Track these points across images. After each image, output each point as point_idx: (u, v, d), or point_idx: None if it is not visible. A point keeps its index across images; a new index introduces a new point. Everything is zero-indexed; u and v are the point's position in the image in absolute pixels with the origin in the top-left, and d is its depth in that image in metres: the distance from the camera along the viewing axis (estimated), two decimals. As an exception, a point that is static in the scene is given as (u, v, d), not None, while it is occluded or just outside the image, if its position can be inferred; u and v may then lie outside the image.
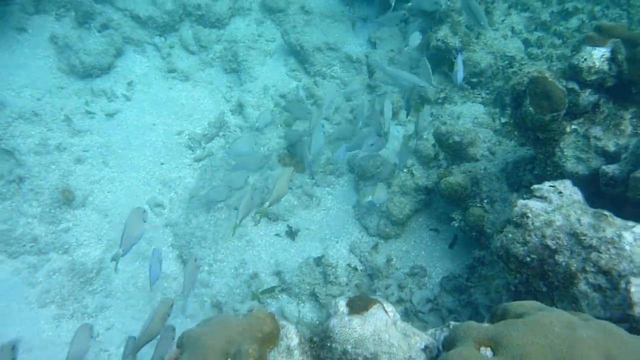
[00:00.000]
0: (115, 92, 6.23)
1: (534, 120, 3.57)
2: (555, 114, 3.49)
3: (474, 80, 5.78)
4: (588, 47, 3.49)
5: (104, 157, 5.64)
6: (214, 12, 6.86)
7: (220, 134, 6.18)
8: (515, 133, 4.11)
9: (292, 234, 5.14)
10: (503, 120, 5.41)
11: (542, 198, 2.93)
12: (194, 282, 3.96)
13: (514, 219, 2.92)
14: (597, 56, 3.44)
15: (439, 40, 5.68)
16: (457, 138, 4.81)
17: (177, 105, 6.35)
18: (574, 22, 6.52)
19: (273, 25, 7.12)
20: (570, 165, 3.60)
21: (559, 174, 3.64)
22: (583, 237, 2.63)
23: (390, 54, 6.45)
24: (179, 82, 6.59)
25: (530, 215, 2.85)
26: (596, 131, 3.56)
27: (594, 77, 3.46)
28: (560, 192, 2.91)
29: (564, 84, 3.57)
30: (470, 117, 5.47)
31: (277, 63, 6.77)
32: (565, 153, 3.62)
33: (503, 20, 6.36)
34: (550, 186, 2.96)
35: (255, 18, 7.14)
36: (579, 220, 2.69)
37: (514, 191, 4.26)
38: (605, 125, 3.57)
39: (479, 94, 5.76)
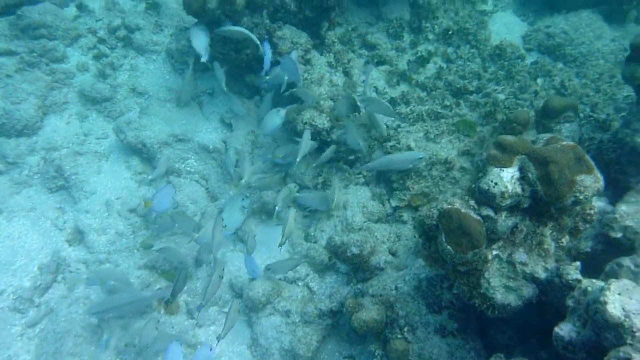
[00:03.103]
0: None
1: (454, 258, 3.02)
2: (477, 250, 2.97)
3: (351, 157, 5.19)
4: (495, 169, 3.01)
5: None
6: (18, 118, 5.42)
7: (59, 278, 4.88)
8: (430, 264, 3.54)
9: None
10: (393, 203, 4.90)
11: None
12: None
13: None
14: (507, 179, 2.98)
15: (305, 123, 4.98)
16: (355, 250, 4.18)
17: (-11, 254, 4.89)
18: (431, 68, 6.26)
19: (101, 117, 5.87)
20: (500, 296, 3.12)
21: (489, 305, 3.16)
22: None
23: (251, 136, 5.61)
24: (-14, 219, 5.12)
25: None
26: (520, 255, 3.12)
27: (508, 202, 2.98)
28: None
29: (477, 211, 3.06)
30: (359, 207, 4.87)
31: (116, 167, 5.57)
32: (492, 283, 3.13)
33: (364, 81, 5.86)
34: None
35: (77, 112, 5.82)
36: None
37: (434, 312, 3.74)
38: (527, 246, 3.14)
39: (359, 174, 5.18)
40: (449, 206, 3.03)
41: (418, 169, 4.91)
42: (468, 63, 6.27)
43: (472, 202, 3.12)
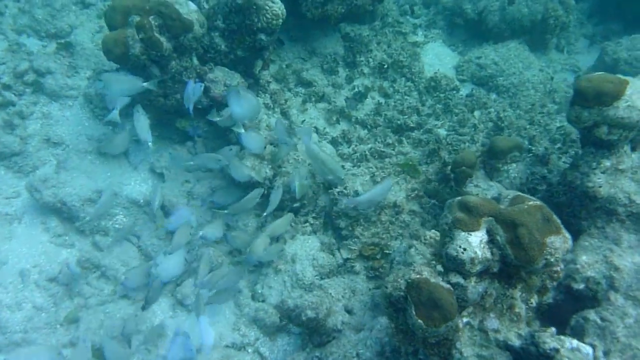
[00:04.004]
0: None
1: (426, 332, 2.79)
2: (450, 322, 2.75)
3: (296, 205, 4.89)
4: (462, 234, 2.83)
5: None
6: None
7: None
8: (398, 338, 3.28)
9: None
10: (344, 254, 4.64)
11: None
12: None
13: None
14: (476, 243, 2.80)
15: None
16: (311, 314, 3.87)
17: None
18: (369, 103, 6.12)
19: (10, 174, 5.19)
20: (473, 366, 2.93)
21: (462, 377, 2.95)
22: None
23: (187, 186, 5.17)
24: None
25: None
26: (492, 322, 2.95)
27: (478, 268, 2.81)
28: None
29: (445, 277, 2.86)
30: (308, 260, 4.57)
31: (31, 229, 4.93)
32: (465, 354, 2.93)
33: (303, 121, 5.61)
34: None
35: (-19, 170, 5.13)
36: None
37: (400, 380, 3.49)
38: (498, 310, 2.98)
39: (306, 222, 4.89)
40: (417, 276, 2.80)
41: (366, 215, 4.70)
42: (406, 97, 6.19)
43: (439, 268, 2.92)
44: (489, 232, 2.84)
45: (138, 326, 4.43)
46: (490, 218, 2.84)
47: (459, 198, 2.94)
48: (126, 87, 4.40)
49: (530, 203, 2.84)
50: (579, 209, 3.79)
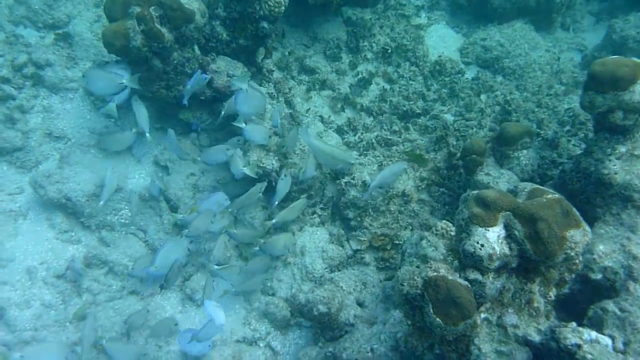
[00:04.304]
0: None
1: (445, 330, 2.75)
2: (468, 320, 2.71)
3: (304, 196, 4.82)
4: (479, 229, 2.77)
5: None
6: None
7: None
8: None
9: None
10: (353, 245, 4.60)
11: None
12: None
13: None
14: (494, 239, 2.74)
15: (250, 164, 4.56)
16: (323, 309, 3.84)
17: None
18: (373, 89, 6.02)
19: (13, 169, 5.12)
20: (491, 362, 2.90)
21: (480, 372, 2.93)
22: None
23: (192, 179, 5.11)
24: None
25: None
26: (510, 317, 2.91)
27: (497, 264, 2.76)
28: None
29: (463, 274, 2.82)
30: (318, 251, 4.53)
31: (37, 226, 4.88)
32: (483, 350, 2.89)
33: (308, 110, 5.51)
34: None
35: (-19, 165, 5.06)
36: None
37: (416, 375, 3.47)
38: (516, 305, 2.93)
39: (314, 213, 4.84)
40: (435, 273, 2.75)
41: (375, 204, 4.64)
42: (411, 82, 6.08)
43: (456, 264, 2.88)
44: (506, 226, 2.79)
45: (147, 321, 4.40)
46: (508, 212, 2.78)
47: (475, 192, 2.88)
48: (105, 85, 4.32)
49: (549, 196, 2.78)
50: (593, 196, 3.73)
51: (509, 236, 2.78)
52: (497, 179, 4.20)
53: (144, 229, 4.97)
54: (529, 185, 2.97)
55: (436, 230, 3.82)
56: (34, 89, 5.41)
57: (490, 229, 2.75)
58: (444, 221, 3.85)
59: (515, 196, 2.95)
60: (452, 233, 3.70)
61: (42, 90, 5.43)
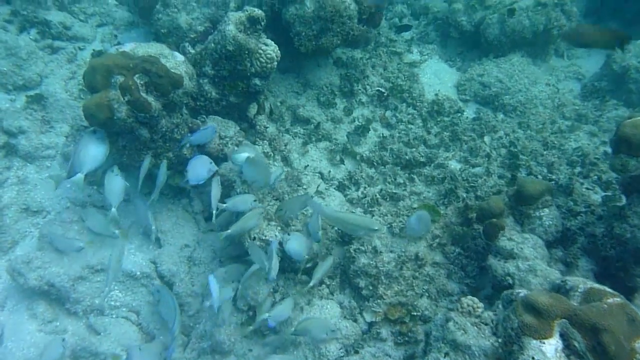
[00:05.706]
0: None
1: None
2: None
3: (309, 265, 4.46)
4: (533, 342, 2.45)
5: None
6: None
7: None
8: None
9: None
10: (367, 318, 4.25)
11: None
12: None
13: None
14: (552, 354, 2.42)
15: (254, 238, 4.18)
16: (346, 407, 3.46)
17: None
18: (372, 136, 5.69)
19: (-12, 252, 4.64)
20: None
21: None
22: None
23: (186, 251, 4.70)
24: None
25: None
26: None
27: (557, 380, 2.43)
28: None
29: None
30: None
31: (15, 317, 4.39)
32: None
33: (306, 167, 5.16)
34: None
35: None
36: None
37: None
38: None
39: (321, 283, 4.47)
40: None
41: (388, 271, 4.30)
42: (410, 126, 5.79)
43: (506, 377, 2.54)
44: (562, 336, 2.47)
45: None
46: (564, 320, 2.46)
47: (523, 296, 2.55)
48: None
49: (610, 301, 2.47)
50: (632, 265, 3.45)
51: (567, 347, 2.46)
52: (521, 245, 3.89)
53: (136, 310, 4.54)
54: (581, 284, 2.66)
55: (462, 307, 3.50)
56: (7, 159, 4.96)
57: (546, 341, 2.43)
58: (469, 297, 3.52)
59: (566, 295, 2.64)
60: (480, 310, 3.38)
61: (15, 161, 4.98)
